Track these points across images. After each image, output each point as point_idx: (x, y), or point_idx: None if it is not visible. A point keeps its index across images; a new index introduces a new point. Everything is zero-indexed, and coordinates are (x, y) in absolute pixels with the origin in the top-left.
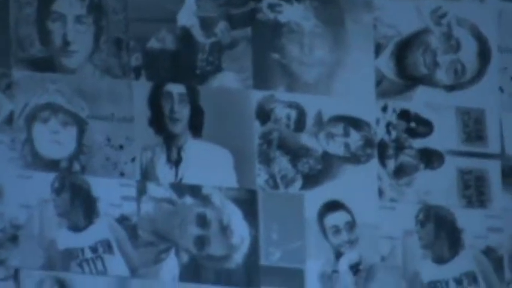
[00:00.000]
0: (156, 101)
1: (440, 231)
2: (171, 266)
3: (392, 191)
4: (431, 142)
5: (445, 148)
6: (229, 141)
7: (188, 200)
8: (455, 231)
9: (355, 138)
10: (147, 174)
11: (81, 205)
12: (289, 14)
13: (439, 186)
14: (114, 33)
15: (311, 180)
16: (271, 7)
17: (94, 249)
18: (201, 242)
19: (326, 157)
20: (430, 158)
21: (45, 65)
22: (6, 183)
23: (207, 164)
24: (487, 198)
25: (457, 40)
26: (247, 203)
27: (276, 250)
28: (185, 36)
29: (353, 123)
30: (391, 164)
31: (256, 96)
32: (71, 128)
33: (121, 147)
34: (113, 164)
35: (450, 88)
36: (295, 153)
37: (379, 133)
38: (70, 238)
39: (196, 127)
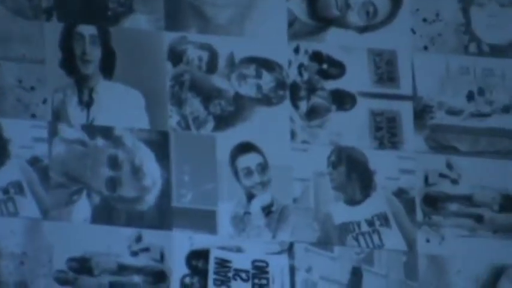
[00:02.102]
0: (67, 42)
1: (352, 173)
2: (82, 207)
3: (304, 133)
4: (343, 83)
5: (357, 89)
6: (141, 82)
7: (100, 141)
8: (367, 172)
9: (267, 80)
10: (58, 116)
11: None
12: None
13: (351, 127)
14: None
15: (223, 121)
16: None
17: (5, 191)
18: (113, 183)
19: (238, 99)
20: (342, 100)
21: None
22: None
23: (119, 105)
24: (398, 139)
25: None
26: (159, 144)
27: (188, 192)
28: None
29: (265, 64)
30: (303, 105)
31: (168, 37)
32: None
33: (32, 88)
34: (24, 106)
35: (362, 29)
36: (207, 95)
37: (291, 75)
38: None
39: (107, 69)
